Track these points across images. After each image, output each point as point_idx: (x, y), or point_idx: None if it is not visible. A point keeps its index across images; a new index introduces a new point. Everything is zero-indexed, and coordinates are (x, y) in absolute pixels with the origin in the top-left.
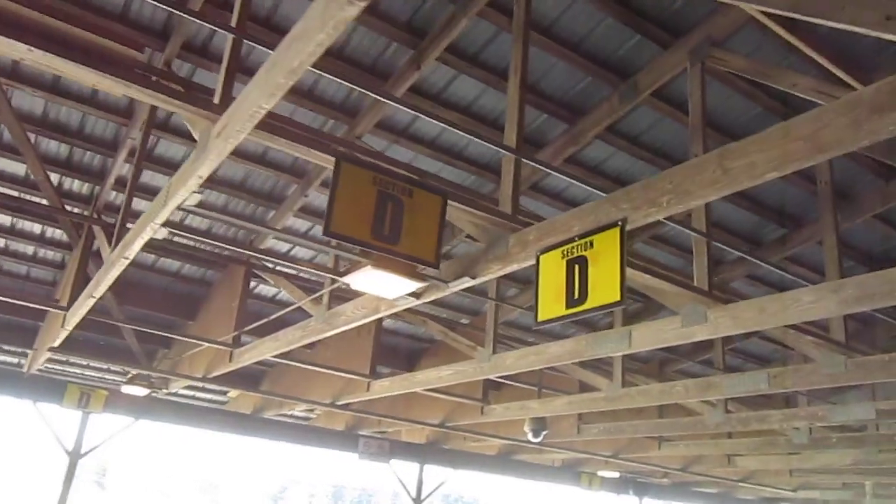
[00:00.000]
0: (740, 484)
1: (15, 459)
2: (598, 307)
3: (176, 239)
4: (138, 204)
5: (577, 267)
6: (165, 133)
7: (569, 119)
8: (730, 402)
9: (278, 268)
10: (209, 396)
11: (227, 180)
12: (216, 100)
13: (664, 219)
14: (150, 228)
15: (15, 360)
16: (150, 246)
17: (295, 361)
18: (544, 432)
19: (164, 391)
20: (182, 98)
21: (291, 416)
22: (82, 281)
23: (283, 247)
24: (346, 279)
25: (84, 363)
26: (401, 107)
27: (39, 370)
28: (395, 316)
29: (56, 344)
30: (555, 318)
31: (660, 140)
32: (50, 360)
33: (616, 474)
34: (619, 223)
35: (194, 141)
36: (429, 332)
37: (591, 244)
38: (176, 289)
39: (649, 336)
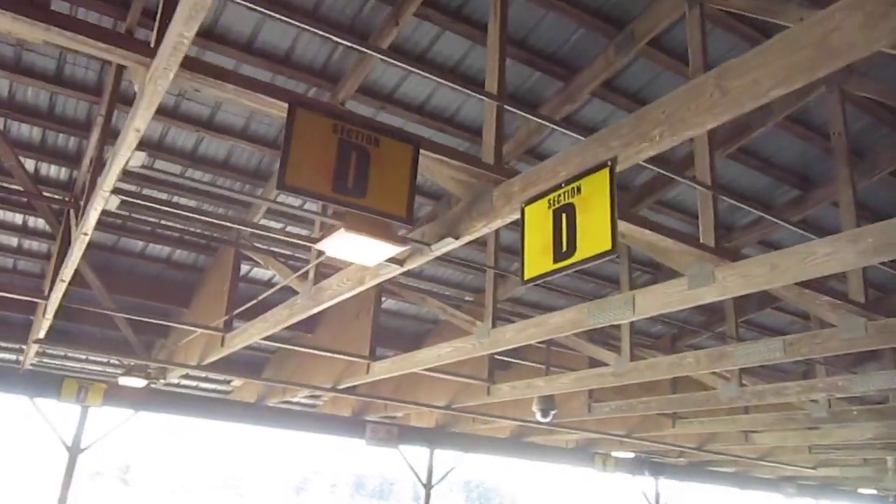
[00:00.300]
0: (758, 462)
1: (15, 456)
2: (588, 258)
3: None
4: None
5: (564, 216)
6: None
7: (563, 76)
8: (745, 376)
9: (262, 245)
10: (212, 386)
11: (209, 158)
12: (152, 43)
13: (669, 180)
14: (101, 198)
15: (13, 356)
16: (138, 232)
17: (295, 346)
18: (553, 412)
19: (163, 381)
20: (113, 41)
21: (298, 404)
22: (59, 267)
23: (275, 226)
24: (319, 245)
25: (83, 357)
26: (386, 64)
27: (34, 364)
28: (395, 296)
29: (41, 335)
30: (543, 273)
31: (660, 95)
32: (47, 355)
33: (631, 455)
34: (608, 163)
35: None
36: (432, 312)
37: (579, 189)
38: (168, 276)
39: (654, 301)
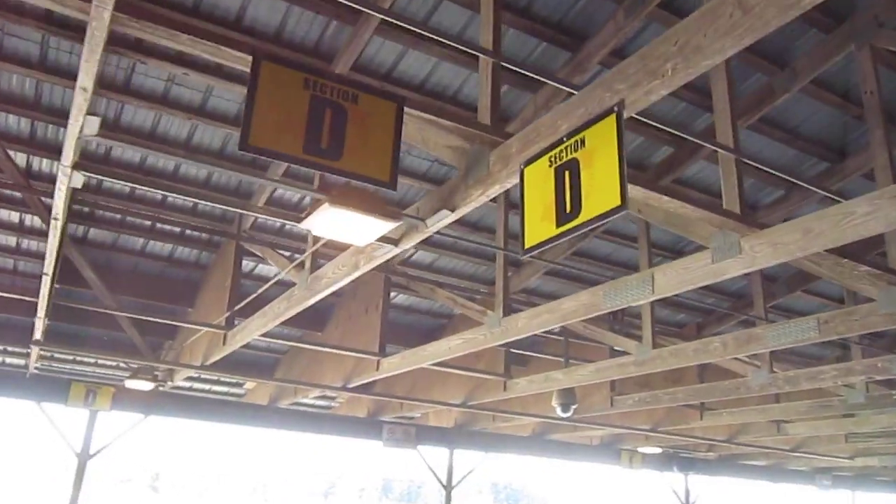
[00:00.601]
0: (792, 454)
1: (25, 462)
2: (594, 218)
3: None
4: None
5: (567, 174)
6: (128, 97)
7: (570, 45)
8: (775, 363)
9: (264, 237)
10: (225, 389)
11: (204, 148)
12: None
13: (689, 155)
14: (63, 175)
15: (22, 361)
16: (137, 228)
17: (304, 344)
18: (574, 406)
19: (170, 384)
20: None
21: (313, 406)
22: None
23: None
24: (305, 223)
25: (92, 360)
26: (383, 39)
27: (40, 369)
28: (405, 290)
29: (38, 336)
30: (545, 240)
31: None
32: (55, 359)
33: (658, 450)
34: (615, 109)
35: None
36: (446, 307)
37: (583, 142)
38: (171, 274)
39: (674, 278)
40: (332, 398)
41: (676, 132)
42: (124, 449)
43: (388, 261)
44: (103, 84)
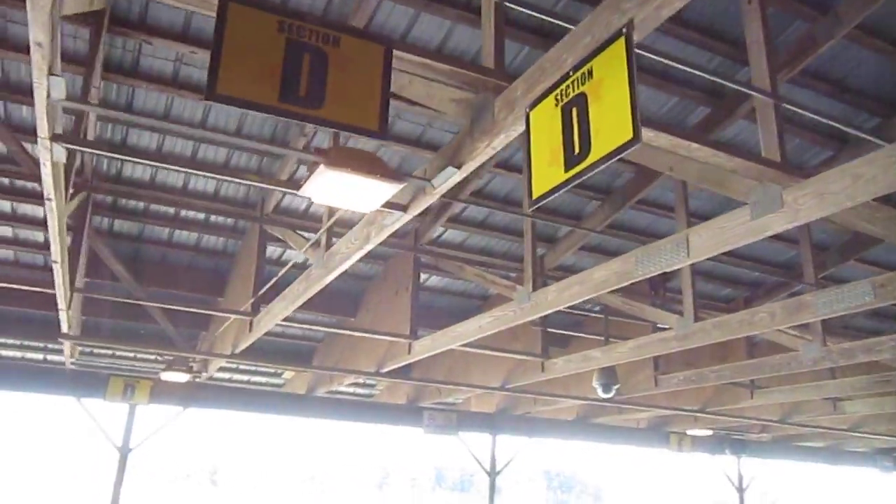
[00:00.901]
0: (850, 434)
1: (69, 457)
2: (605, 156)
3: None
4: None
5: (574, 111)
6: (138, 80)
7: None
8: (829, 337)
9: (286, 220)
10: (264, 380)
11: (221, 128)
12: None
13: (726, 115)
14: (43, 149)
15: (61, 357)
16: (161, 218)
17: (335, 329)
18: (615, 387)
19: (206, 375)
20: None
21: (353, 394)
22: (75, 258)
23: (300, 202)
24: (303, 190)
25: (130, 355)
26: (393, 3)
27: (77, 364)
28: (436, 271)
29: (64, 329)
30: (553, 187)
31: (707, 17)
32: (94, 355)
33: (708, 432)
34: (623, 31)
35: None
36: (480, 287)
37: (590, 74)
38: (199, 264)
39: (711, 238)
40: (372, 386)
41: (712, 76)
42: (181, 445)
43: (416, 240)
44: (111, 68)
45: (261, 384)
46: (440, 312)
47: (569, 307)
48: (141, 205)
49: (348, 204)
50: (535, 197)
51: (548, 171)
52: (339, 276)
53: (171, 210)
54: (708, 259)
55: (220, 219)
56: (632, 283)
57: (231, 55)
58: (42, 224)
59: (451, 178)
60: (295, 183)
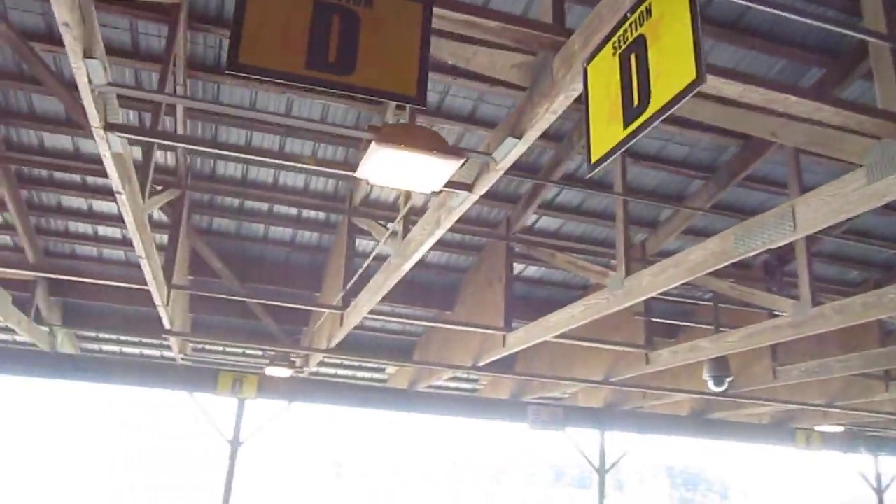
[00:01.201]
0: None
1: (184, 450)
2: (666, 105)
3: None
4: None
5: (632, 58)
6: (221, 77)
7: None
8: None
9: (375, 212)
10: (368, 375)
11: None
12: None
13: None
14: (99, 139)
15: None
16: (255, 214)
17: (430, 323)
18: (728, 379)
19: (308, 370)
20: None
21: (457, 389)
22: (171, 254)
23: (388, 194)
24: (359, 171)
25: (240, 351)
26: None
27: (190, 360)
28: (530, 260)
29: (167, 325)
30: (614, 146)
31: None
32: (206, 351)
33: (839, 428)
34: None
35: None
36: (580, 276)
37: (649, 12)
38: (296, 260)
39: (821, 208)
40: (476, 381)
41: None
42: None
43: (508, 229)
44: (195, 66)
45: (365, 380)
46: (539, 304)
47: (676, 296)
48: (236, 202)
49: (408, 184)
50: (593, 160)
51: (606, 131)
52: (436, 269)
53: (265, 206)
54: (832, 237)
55: (312, 213)
56: (746, 270)
57: (254, 21)
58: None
59: (514, 149)
60: (354, 167)
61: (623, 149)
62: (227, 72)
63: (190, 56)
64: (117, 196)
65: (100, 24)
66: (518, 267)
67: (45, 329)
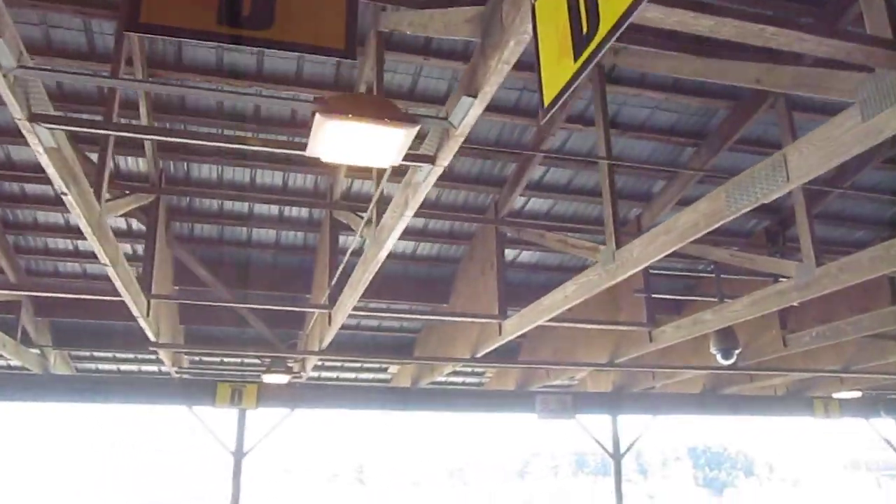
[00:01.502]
0: None
1: (187, 464)
2: (614, 26)
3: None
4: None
5: None
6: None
7: None
8: None
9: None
10: (371, 376)
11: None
12: None
13: None
14: (25, 131)
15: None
16: (238, 218)
17: (425, 316)
18: (736, 351)
19: (305, 375)
20: None
21: (462, 384)
22: (149, 263)
23: (369, 187)
24: (309, 150)
25: (238, 361)
26: None
27: (187, 373)
28: (519, 243)
29: (152, 338)
30: (566, 84)
31: None
32: (203, 363)
33: (857, 394)
34: None
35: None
36: (578, 258)
37: None
38: (283, 262)
39: (814, 153)
40: (481, 374)
41: None
42: (327, 446)
43: (497, 213)
44: (154, 64)
45: (368, 381)
46: (537, 290)
47: (678, 270)
48: (215, 204)
49: (363, 159)
50: (546, 103)
51: (557, 68)
52: (428, 262)
53: (245, 207)
54: (836, 195)
55: (294, 212)
56: (747, 238)
57: None
58: (127, 235)
59: (471, 110)
60: (304, 145)
61: (575, 84)
62: (124, 31)
63: (149, 54)
64: (63, 198)
65: (52, 25)
66: (512, 253)
67: (36, 351)
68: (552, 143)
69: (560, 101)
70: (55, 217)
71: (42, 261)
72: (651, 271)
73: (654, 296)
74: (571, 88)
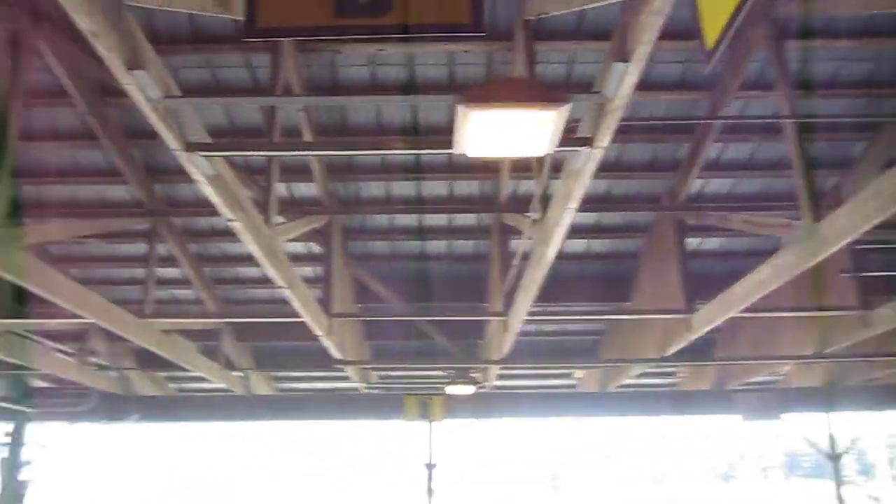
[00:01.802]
0: None
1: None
2: None
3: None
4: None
5: None
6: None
7: None
8: None
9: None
10: (556, 382)
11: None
12: None
13: None
14: (184, 161)
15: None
16: (396, 232)
17: (604, 316)
18: None
19: (489, 384)
20: None
21: (655, 385)
22: (328, 283)
23: None
24: (457, 147)
25: (422, 374)
26: None
27: (376, 389)
28: (699, 231)
29: (336, 356)
30: (730, 19)
31: None
32: (390, 378)
33: None
34: None
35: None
36: (771, 239)
37: None
38: (455, 272)
39: None
40: (671, 374)
41: None
42: (519, 454)
43: (673, 199)
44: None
45: (554, 387)
46: (726, 279)
47: (893, 241)
48: (384, 220)
49: (515, 150)
50: (710, 46)
51: (718, 7)
52: (604, 259)
53: (415, 220)
54: None
55: (463, 220)
56: None
57: None
58: (308, 259)
59: (626, 77)
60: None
61: (740, 16)
62: (244, 39)
63: (305, 79)
64: (231, 224)
65: (216, 66)
66: (694, 241)
67: (239, 374)
68: (725, 113)
69: (725, 41)
70: (240, 247)
71: (235, 289)
72: (859, 246)
73: (864, 274)
74: (736, 22)
